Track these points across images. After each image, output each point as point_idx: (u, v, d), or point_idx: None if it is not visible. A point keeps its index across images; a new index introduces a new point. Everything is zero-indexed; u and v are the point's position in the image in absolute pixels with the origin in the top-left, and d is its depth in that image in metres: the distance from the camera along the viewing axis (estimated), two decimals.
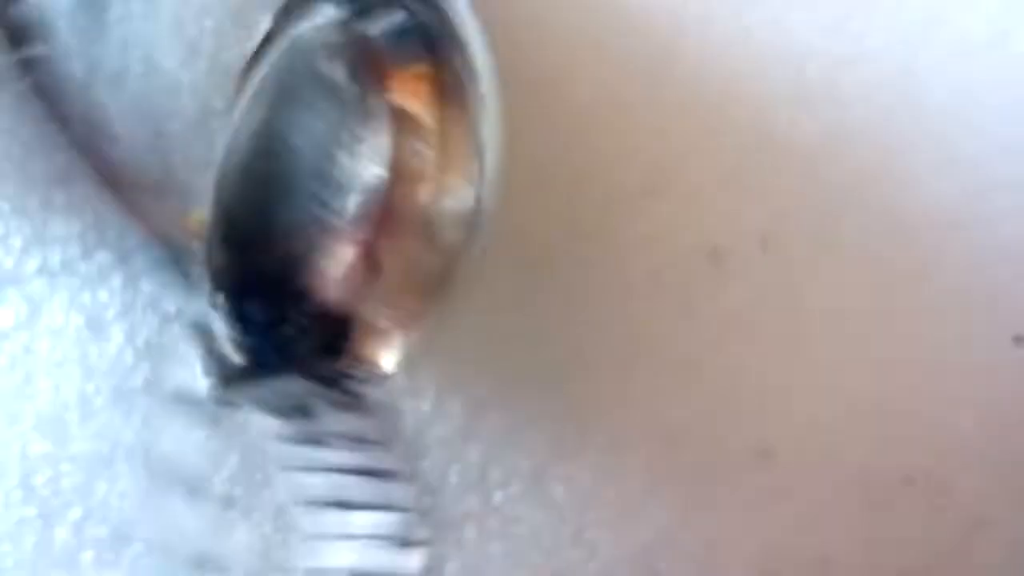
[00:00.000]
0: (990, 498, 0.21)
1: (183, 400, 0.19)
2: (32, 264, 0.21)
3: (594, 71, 0.21)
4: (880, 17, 0.22)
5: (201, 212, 0.18)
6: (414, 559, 0.17)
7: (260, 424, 0.19)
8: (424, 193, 0.17)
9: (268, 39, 0.18)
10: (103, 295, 0.20)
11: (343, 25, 0.18)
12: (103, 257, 0.20)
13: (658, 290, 0.21)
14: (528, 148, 0.19)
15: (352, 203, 0.18)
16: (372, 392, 0.18)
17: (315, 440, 0.18)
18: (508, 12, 0.20)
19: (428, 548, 0.17)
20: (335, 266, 0.17)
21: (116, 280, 0.20)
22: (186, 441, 0.20)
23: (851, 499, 0.21)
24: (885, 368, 0.21)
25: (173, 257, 0.19)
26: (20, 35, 0.19)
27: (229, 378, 0.17)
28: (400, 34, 0.18)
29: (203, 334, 0.18)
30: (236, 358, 0.17)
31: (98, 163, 0.19)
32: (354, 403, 0.18)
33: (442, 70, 0.18)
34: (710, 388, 0.21)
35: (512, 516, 0.20)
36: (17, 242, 0.20)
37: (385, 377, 0.17)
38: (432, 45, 0.18)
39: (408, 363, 0.18)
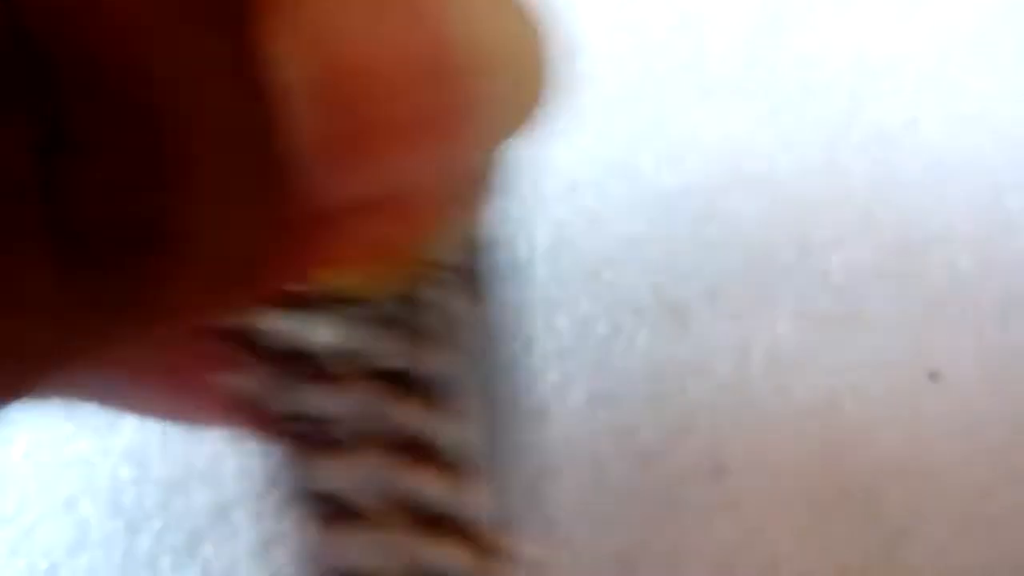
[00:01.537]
0: (914, 509, 0.25)
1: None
2: None
3: None
4: (808, 108, 0.26)
5: None
6: None
7: None
8: None
9: None
10: None
11: None
12: None
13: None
14: None
15: None
16: None
17: None
18: None
19: None
20: None
21: None
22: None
23: (796, 509, 0.25)
24: (821, 399, 0.25)
25: None
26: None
27: None
28: None
29: None
30: None
31: None
32: None
33: None
34: (673, 414, 0.25)
35: None
36: None
37: None
38: None
39: None
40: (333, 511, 0.15)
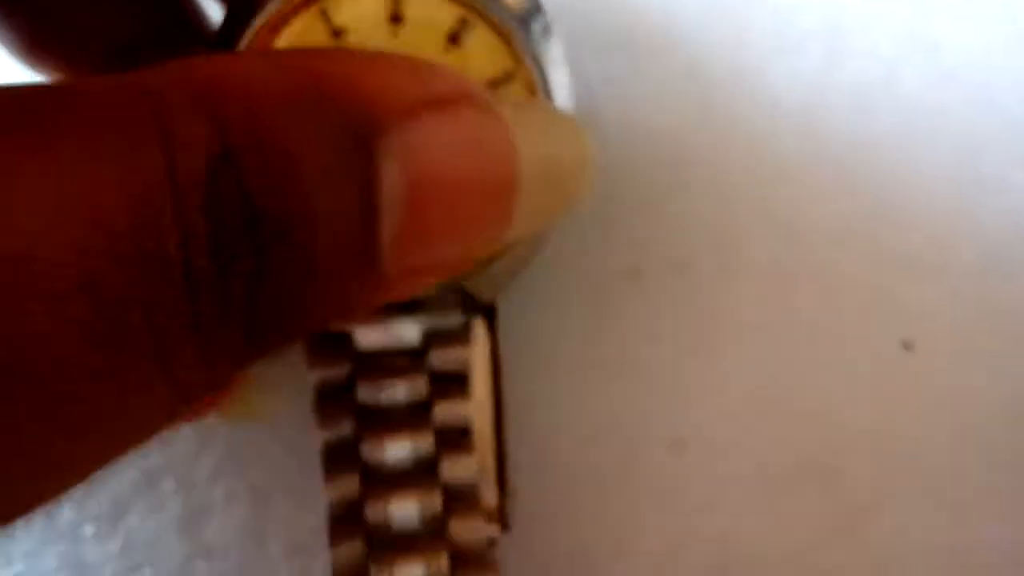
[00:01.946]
0: (876, 486, 0.23)
1: None
2: None
3: None
4: (783, 61, 0.24)
5: None
6: None
7: None
8: None
9: None
10: None
11: None
12: None
13: (577, 304, 0.24)
14: None
15: None
16: None
17: None
18: None
19: None
20: None
21: None
22: None
23: (752, 484, 0.24)
24: (782, 368, 0.24)
25: None
26: None
27: None
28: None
29: None
30: None
31: None
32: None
33: None
34: (628, 388, 0.24)
35: None
36: None
37: None
38: None
39: None
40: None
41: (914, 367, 0.24)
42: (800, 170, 0.24)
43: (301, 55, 0.13)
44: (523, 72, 0.23)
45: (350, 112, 0.12)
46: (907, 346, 0.24)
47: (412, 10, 0.24)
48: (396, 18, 0.24)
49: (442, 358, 0.21)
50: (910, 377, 0.24)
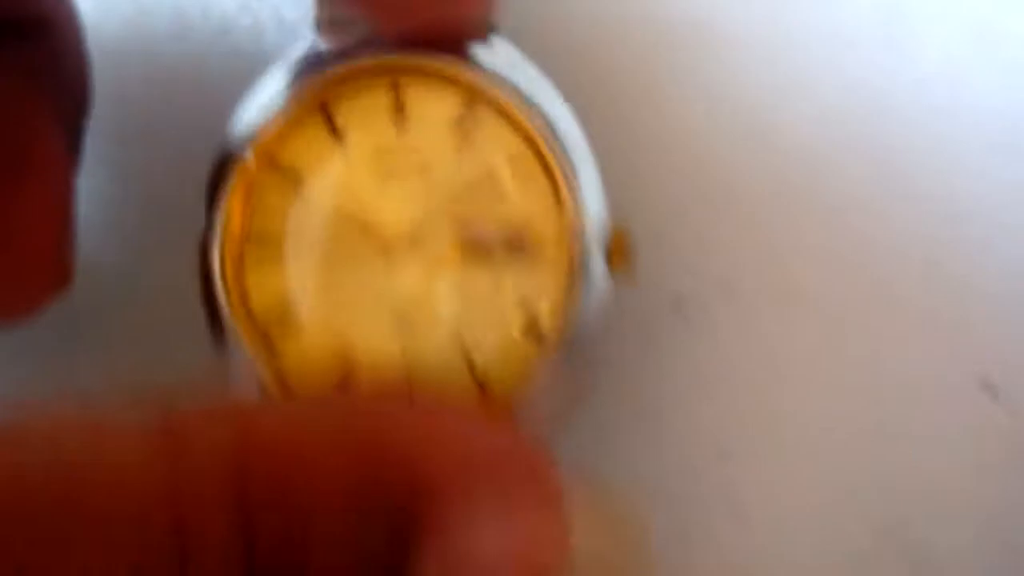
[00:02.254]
0: (971, 559, 0.20)
1: None
2: None
3: None
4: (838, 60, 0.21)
5: None
6: None
7: None
8: None
9: None
10: None
11: None
12: None
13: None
14: None
15: None
16: None
17: None
18: None
19: None
20: None
21: None
22: None
23: (828, 558, 0.19)
24: (844, 412, 0.20)
25: None
26: None
27: None
28: None
29: None
30: None
31: None
32: None
33: None
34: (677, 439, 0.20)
35: None
36: None
37: None
38: None
39: None
40: None
41: (999, 414, 0.20)
42: (860, 187, 0.21)
43: (342, 414, 0.14)
44: (538, 151, 0.22)
45: (390, 498, 0.12)
46: (988, 388, 0.20)
47: (414, 99, 0.23)
48: (400, 109, 0.23)
49: None
50: (995, 424, 0.20)
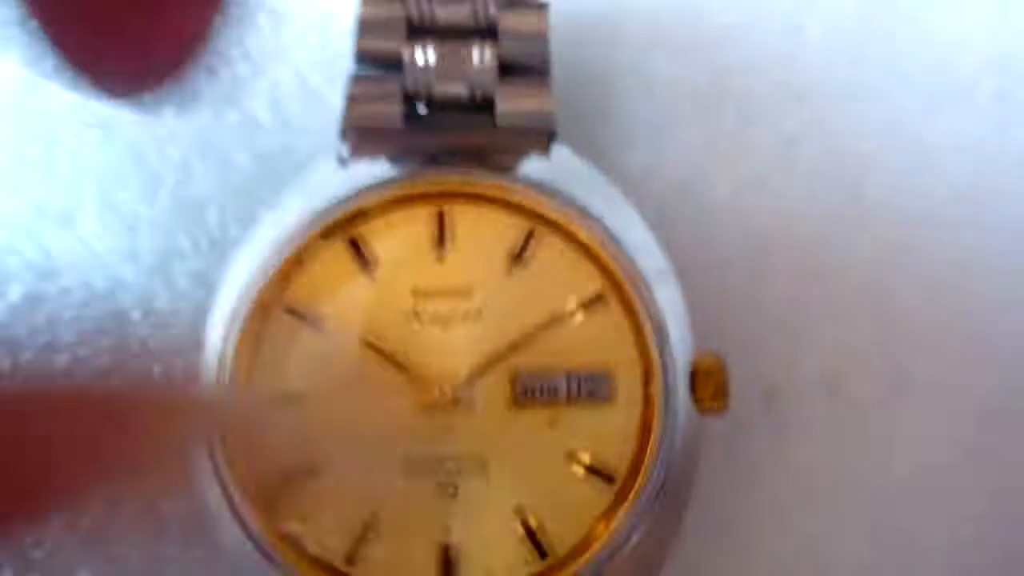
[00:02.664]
0: None
1: None
2: None
3: None
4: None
5: None
6: None
7: None
8: None
9: None
10: None
11: None
12: None
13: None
14: None
15: None
16: None
17: None
18: None
19: None
20: None
21: None
22: None
23: None
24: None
25: None
26: None
27: None
28: None
29: None
30: None
31: None
32: None
33: None
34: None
35: None
36: None
37: None
38: None
39: None
40: None
41: None
42: (975, 265, 0.20)
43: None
44: (614, 282, 0.19)
45: None
46: None
47: (463, 228, 0.20)
48: (442, 240, 0.20)
49: None
50: None
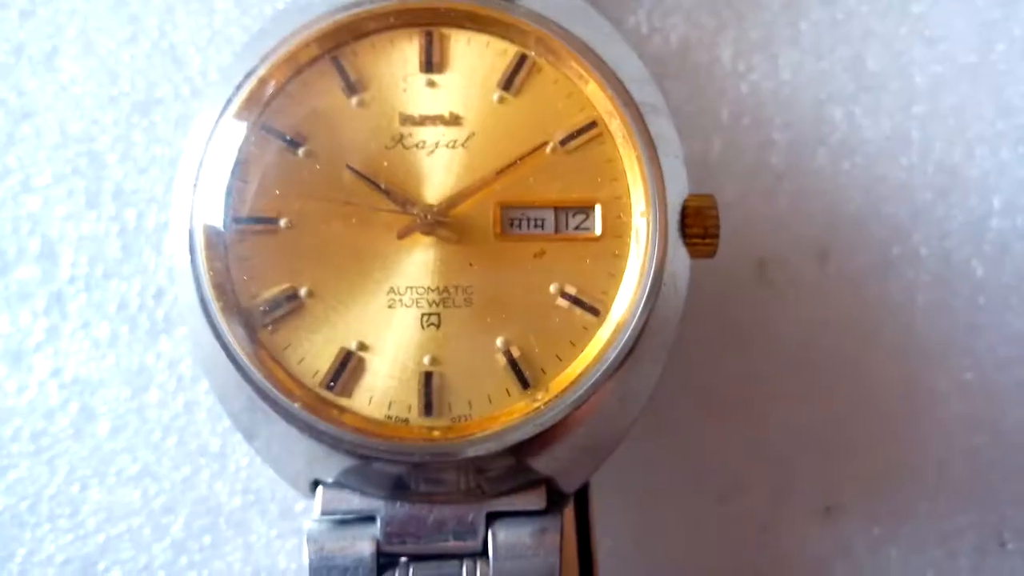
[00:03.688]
0: None
1: None
2: None
3: None
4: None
5: None
6: None
7: None
8: None
9: None
10: None
11: None
12: None
13: None
14: None
15: None
16: None
17: None
18: None
19: None
20: None
21: None
22: None
23: None
24: None
25: None
26: None
27: None
28: None
29: None
30: None
31: None
32: None
33: None
34: None
35: None
36: None
37: None
38: None
39: None
40: None
41: None
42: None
43: None
44: (613, 121, 0.19)
45: None
46: None
47: (455, 53, 0.19)
48: (430, 64, 0.20)
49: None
50: None
